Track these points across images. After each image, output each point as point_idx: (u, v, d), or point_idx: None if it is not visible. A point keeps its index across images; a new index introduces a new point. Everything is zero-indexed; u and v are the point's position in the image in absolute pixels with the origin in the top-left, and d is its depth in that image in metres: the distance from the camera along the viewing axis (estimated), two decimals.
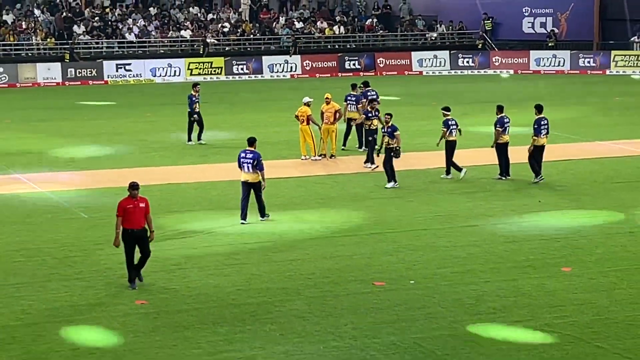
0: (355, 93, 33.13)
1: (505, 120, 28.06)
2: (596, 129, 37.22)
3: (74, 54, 55.54)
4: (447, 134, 27.90)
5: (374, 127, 29.48)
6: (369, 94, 33.00)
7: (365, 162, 29.69)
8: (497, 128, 27.94)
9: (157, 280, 18.81)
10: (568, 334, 15.95)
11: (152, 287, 18.37)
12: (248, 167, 23.27)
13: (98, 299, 17.80)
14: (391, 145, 26.79)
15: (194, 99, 33.78)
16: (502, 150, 28.02)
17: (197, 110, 33.83)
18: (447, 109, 28.54)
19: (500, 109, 28.41)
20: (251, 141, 23.68)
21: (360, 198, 25.94)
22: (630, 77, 56.67)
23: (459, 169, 28.00)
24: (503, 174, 27.96)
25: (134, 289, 18.04)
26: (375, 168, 28.68)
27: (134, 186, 18.25)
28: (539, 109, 27.65)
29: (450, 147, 28.05)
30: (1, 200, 25.76)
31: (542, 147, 27.40)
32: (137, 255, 18.36)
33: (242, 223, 23.15)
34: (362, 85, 33.69)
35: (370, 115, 29.66)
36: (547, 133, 27.50)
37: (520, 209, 24.58)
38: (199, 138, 34.42)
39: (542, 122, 27.33)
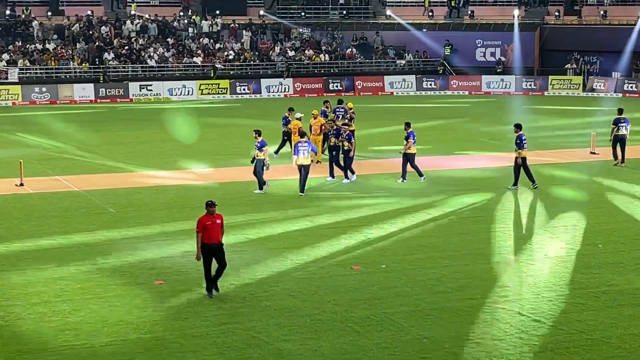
0: (343, 107, 32.72)
1: (412, 134, 27.26)
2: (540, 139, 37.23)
3: (104, 76, 55.38)
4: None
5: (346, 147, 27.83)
6: (337, 111, 32.55)
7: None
8: (408, 140, 27.18)
9: (172, 264, 18.78)
10: (511, 309, 15.99)
11: (168, 270, 18.34)
12: (304, 152, 25.74)
13: (123, 280, 17.74)
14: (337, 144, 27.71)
15: (289, 118, 31.87)
16: (410, 158, 27.28)
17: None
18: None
19: (407, 125, 27.75)
20: (303, 133, 26.80)
21: (339, 197, 25.91)
22: (564, 97, 56.73)
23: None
24: (408, 176, 27.43)
25: (211, 297, 16.53)
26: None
27: (211, 204, 16.60)
28: (518, 127, 26.52)
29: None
30: (44, 198, 25.66)
31: (524, 159, 26.33)
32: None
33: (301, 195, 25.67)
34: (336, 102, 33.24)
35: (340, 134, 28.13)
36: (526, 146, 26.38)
37: (472, 205, 24.61)
38: (276, 152, 32.15)
39: (523, 138, 26.25)
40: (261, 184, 26.12)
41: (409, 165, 27.61)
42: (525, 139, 26.35)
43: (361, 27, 65.62)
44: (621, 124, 30.45)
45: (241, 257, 19.42)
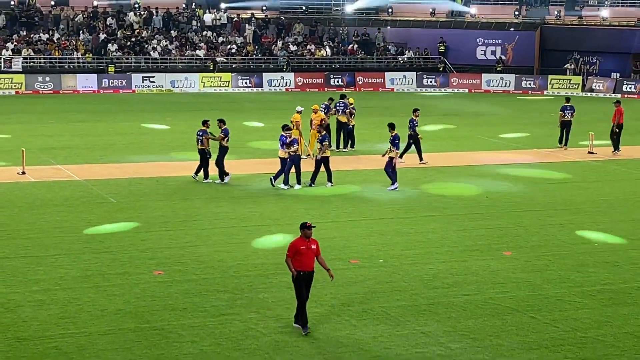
0: (344, 101, 32.84)
1: (326, 137, 26.58)
2: (535, 139, 37.24)
3: (107, 67, 55.31)
4: None
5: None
6: (337, 106, 32.56)
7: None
8: (323, 144, 26.16)
9: (172, 255, 18.76)
10: (507, 306, 15.98)
11: (167, 261, 18.32)
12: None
13: (123, 269, 17.73)
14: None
15: (414, 122, 30.45)
16: (325, 162, 26.29)
17: (417, 133, 30.29)
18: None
19: (326, 130, 27.23)
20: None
21: (338, 192, 25.88)
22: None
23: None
24: (328, 181, 26.41)
25: (307, 333, 14.44)
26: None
27: (309, 226, 14.58)
28: (392, 127, 26.13)
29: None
30: (45, 187, 25.63)
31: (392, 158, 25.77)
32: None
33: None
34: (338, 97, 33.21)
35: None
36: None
37: (469, 203, 24.58)
38: (421, 158, 30.59)
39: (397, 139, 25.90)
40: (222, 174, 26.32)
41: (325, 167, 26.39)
42: (399, 140, 25.96)
43: (363, 23, 65.56)
44: (567, 111, 34.36)
45: (239, 248, 19.40)
